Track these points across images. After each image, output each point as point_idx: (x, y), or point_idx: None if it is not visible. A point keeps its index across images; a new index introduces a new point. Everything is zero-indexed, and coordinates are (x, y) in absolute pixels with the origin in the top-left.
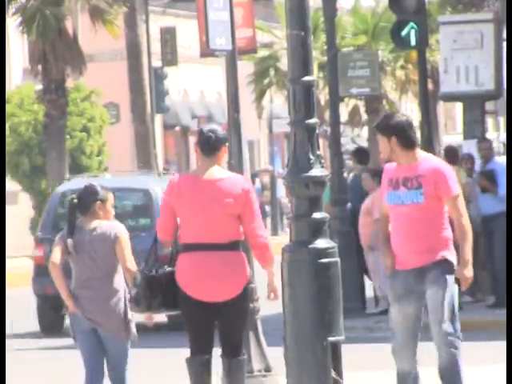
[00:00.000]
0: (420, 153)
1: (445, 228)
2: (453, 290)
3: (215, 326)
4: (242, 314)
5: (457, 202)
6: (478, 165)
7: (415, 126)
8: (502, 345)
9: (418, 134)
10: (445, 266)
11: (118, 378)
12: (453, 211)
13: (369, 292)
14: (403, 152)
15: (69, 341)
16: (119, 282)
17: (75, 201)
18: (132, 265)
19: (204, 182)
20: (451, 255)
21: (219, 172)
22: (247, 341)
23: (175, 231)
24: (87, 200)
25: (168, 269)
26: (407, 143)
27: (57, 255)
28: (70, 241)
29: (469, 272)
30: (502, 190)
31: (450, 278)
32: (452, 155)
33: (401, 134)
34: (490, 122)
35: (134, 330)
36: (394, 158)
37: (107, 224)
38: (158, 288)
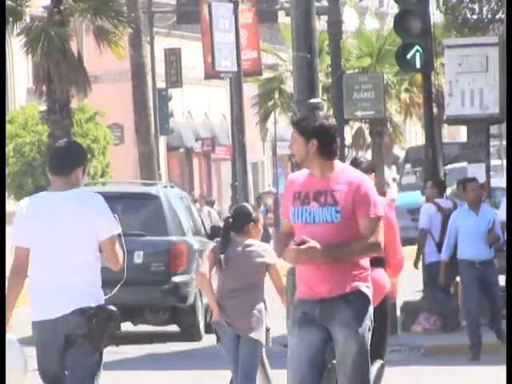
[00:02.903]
0: (337, 164)
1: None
2: (365, 332)
3: None
4: (382, 322)
5: (374, 226)
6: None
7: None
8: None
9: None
10: (358, 302)
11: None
12: (368, 234)
13: None
14: (320, 160)
15: None
16: (262, 294)
17: (230, 220)
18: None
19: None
20: (367, 287)
21: None
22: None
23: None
24: (242, 220)
25: None
26: (328, 151)
27: (206, 266)
28: (222, 255)
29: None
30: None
31: (365, 317)
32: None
33: (323, 138)
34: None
35: (269, 340)
36: (307, 164)
37: (259, 244)
38: None
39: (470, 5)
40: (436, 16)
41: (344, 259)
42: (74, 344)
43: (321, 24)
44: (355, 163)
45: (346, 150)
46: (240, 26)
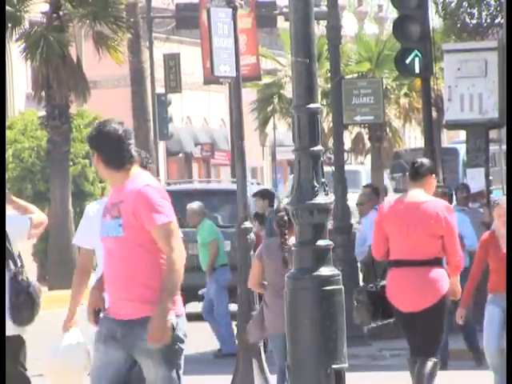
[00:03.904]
0: (132, 173)
1: (161, 273)
2: (171, 359)
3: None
4: (437, 322)
5: (164, 234)
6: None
7: (131, 139)
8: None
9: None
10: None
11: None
12: (161, 245)
13: None
14: (109, 172)
15: None
16: None
17: (285, 219)
18: None
19: (408, 204)
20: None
21: (423, 196)
22: (250, 368)
23: (387, 249)
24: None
25: (384, 283)
26: (112, 161)
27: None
28: (287, 254)
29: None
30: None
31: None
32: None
33: (104, 148)
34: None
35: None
36: (105, 178)
37: None
38: (379, 301)
39: (469, 9)
40: (435, 21)
41: (173, 296)
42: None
43: (320, 29)
44: (426, 165)
45: (346, 154)
46: (239, 31)
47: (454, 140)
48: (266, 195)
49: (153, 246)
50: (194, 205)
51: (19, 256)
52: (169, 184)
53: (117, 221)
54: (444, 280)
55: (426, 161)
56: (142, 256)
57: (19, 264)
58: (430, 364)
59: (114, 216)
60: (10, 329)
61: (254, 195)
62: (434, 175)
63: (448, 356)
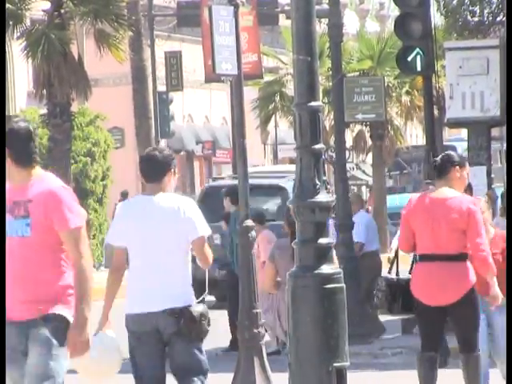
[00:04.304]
0: (38, 171)
1: (63, 272)
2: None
3: (444, 328)
4: (470, 314)
5: (74, 238)
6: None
7: (35, 137)
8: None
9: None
10: (53, 325)
11: None
12: (69, 249)
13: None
14: (17, 169)
15: None
16: None
17: None
18: None
19: (434, 200)
20: (65, 309)
21: (449, 192)
22: (251, 366)
23: (413, 243)
24: None
25: (408, 276)
26: (20, 158)
27: None
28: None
29: None
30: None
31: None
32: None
33: (14, 145)
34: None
35: None
36: (9, 174)
37: None
38: (398, 293)
39: (470, 7)
40: (437, 19)
41: (89, 304)
42: (169, 343)
43: (321, 27)
44: (448, 160)
45: (347, 152)
46: (240, 29)
47: (451, 138)
48: (228, 193)
49: (58, 247)
50: None
51: None
52: (214, 179)
53: (24, 220)
54: (469, 274)
55: (447, 155)
56: (46, 257)
57: None
58: (476, 359)
59: (20, 215)
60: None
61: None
62: (458, 167)
63: (449, 354)
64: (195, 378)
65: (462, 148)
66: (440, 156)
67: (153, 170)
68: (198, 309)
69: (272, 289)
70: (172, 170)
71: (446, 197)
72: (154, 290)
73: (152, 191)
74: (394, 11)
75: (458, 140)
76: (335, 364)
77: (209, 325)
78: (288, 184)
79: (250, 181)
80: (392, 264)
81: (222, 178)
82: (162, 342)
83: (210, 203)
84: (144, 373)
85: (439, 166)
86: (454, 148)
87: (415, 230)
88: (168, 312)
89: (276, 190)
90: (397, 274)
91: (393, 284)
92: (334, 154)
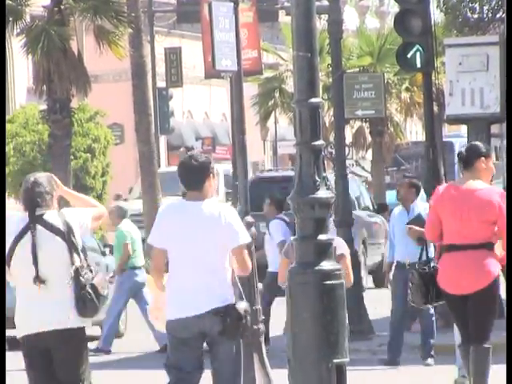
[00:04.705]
0: None
1: None
2: None
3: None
4: (489, 305)
5: None
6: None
7: None
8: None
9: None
10: None
11: None
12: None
13: (373, 314)
14: None
15: None
16: None
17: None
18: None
19: (464, 191)
20: None
21: (478, 183)
22: (251, 362)
23: (440, 233)
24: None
25: (437, 265)
26: None
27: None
28: None
29: None
30: None
31: None
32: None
33: None
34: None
35: None
36: None
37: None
38: (431, 283)
39: (470, 4)
40: (436, 15)
41: None
42: (213, 342)
43: (321, 23)
44: (474, 151)
45: (347, 149)
46: (240, 25)
47: (449, 134)
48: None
49: None
50: (115, 206)
51: (83, 249)
52: (262, 171)
53: None
54: (495, 264)
55: (472, 147)
56: None
57: (82, 257)
58: (486, 350)
59: None
60: (75, 320)
61: None
62: (483, 157)
63: (399, 354)
64: (234, 377)
65: (459, 144)
66: (465, 147)
67: (192, 178)
68: (241, 306)
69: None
70: (211, 175)
71: (476, 188)
72: (197, 292)
73: (194, 197)
74: (394, 7)
75: (455, 136)
76: (335, 360)
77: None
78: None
79: (286, 172)
80: (421, 254)
81: (270, 170)
82: (203, 343)
83: (257, 193)
84: (183, 377)
85: (465, 158)
86: (451, 144)
87: (443, 220)
88: (213, 312)
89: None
90: (427, 263)
91: (425, 274)
92: (333, 151)
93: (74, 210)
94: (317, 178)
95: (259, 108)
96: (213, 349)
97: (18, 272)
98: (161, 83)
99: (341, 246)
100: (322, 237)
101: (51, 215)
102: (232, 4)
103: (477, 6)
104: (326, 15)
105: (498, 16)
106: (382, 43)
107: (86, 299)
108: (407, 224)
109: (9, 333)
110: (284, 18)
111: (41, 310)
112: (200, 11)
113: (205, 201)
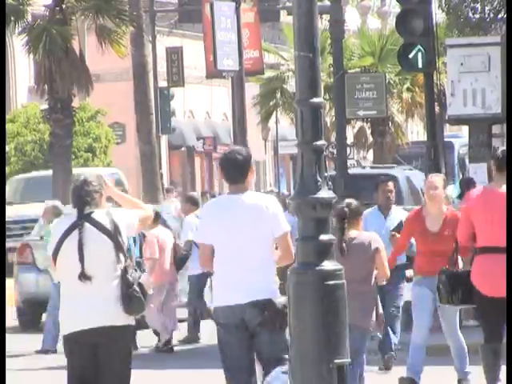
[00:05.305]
0: None
1: None
2: None
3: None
4: None
5: None
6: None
7: None
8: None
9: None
10: None
11: (357, 362)
12: None
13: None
14: None
15: None
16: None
17: (346, 210)
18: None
19: (496, 194)
20: None
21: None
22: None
23: (471, 236)
24: (355, 214)
25: (467, 267)
26: None
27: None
28: (344, 245)
29: None
30: None
31: None
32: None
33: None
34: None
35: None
36: None
37: (368, 234)
38: (458, 284)
39: (472, 4)
40: (438, 15)
41: None
42: (254, 333)
43: (323, 23)
44: (498, 157)
45: (348, 149)
46: (242, 25)
47: (448, 134)
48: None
49: None
50: (50, 203)
51: (128, 249)
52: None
53: None
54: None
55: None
56: None
57: (127, 256)
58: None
59: None
60: (122, 318)
61: None
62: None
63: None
64: (278, 367)
65: (459, 144)
66: (500, 150)
67: (236, 173)
68: (281, 300)
69: None
70: (252, 169)
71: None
72: (240, 283)
73: (237, 191)
74: (396, 8)
75: (454, 137)
76: (336, 360)
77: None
78: (400, 173)
79: (364, 171)
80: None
81: (363, 167)
82: (249, 332)
83: (352, 189)
84: (232, 363)
85: (500, 160)
86: (451, 144)
87: (475, 223)
88: (253, 304)
89: (388, 179)
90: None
91: (452, 275)
92: (335, 151)
93: (122, 210)
94: (318, 178)
95: (260, 108)
96: (254, 338)
97: (64, 268)
98: (162, 83)
99: (376, 240)
100: (323, 237)
101: (99, 214)
102: (234, 4)
103: (478, 6)
104: (328, 15)
105: (499, 16)
106: (384, 43)
107: (132, 297)
108: (392, 231)
109: None
110: (285, 18)
111: (88, 306)
112: (202, 11)
113: (247, 192)
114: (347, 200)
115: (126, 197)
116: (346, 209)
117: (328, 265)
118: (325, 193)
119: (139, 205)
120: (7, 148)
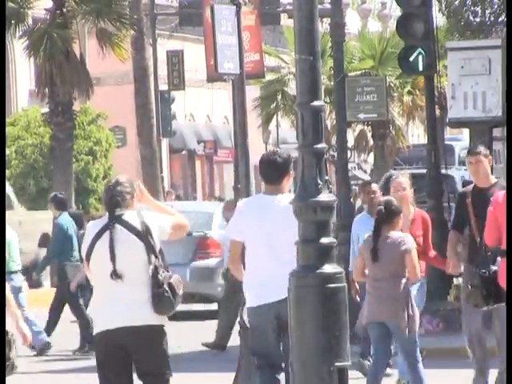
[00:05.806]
0: None
1: None
2: None
3: None
4: None
5: None
6: None
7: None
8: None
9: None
10: None
11: (411, 362)
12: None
13: None
14: None
15: None
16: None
17: (383, 211)
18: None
19: None
20: None
21: None
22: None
23: (498, 237)
24: (393, 214)
25: (495, 268)
26: None
27: (360, 259)
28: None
29: None
30: None
31: None
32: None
33: None
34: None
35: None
36: None
37: (401, 234)
38: (491, 286)
39: (472, 7)
40: (439, 19)
41: None
42: (286, 328)
43: (323, 26)
44: None
45: (349, 152)
46: (243, 28)
47: (448, 137)
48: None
49: None
50: None
51: (160, 251)
52: (395, 168)
53: None
54: None
55: None
56: None
57: (160, 257)
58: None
59: None
60: (152, 318)
61: None
62: None
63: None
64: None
65: (459, 147)
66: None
67: (273, 173)
68: None
69: (361, 278)
70: (290, 172)
71: None
72: (272, 281)
73: (272, 191)
74: (396, 11)
75: (455, 140)
76: (337, 364)
77: None
78: (455, 172)
79: (417, 170)
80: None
81: (402, 168)
82: (278, 328)
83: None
84: (264, 361)
85: None
86: (451, 147)
87: (502, 224)
88: (286, 300)
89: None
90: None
91: (486, 277)
92: (335, 154)
93: (155, 214)
94: (319, 181)
95: (261, 111)
96: (284, 336)
97: (96, 269)
98: (163, 86)
99: (406, 241)
100: (324, 240)
101: (130, 215)
102: (234, 7)
103: (479, 9)
104: (329, 18)
105: (500, 19)
106: (384, 46)
107: (162, 297)
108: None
109: None
110: (286, 21)
111: (119, 306)
112: (202, 14)
113: (282, 194)
114: (385, 199)
115: (160, 205)
116: (383, 210)
117: (329, 268)
118: (325, 196)
119: (175, 215)
120: (8, 151)
